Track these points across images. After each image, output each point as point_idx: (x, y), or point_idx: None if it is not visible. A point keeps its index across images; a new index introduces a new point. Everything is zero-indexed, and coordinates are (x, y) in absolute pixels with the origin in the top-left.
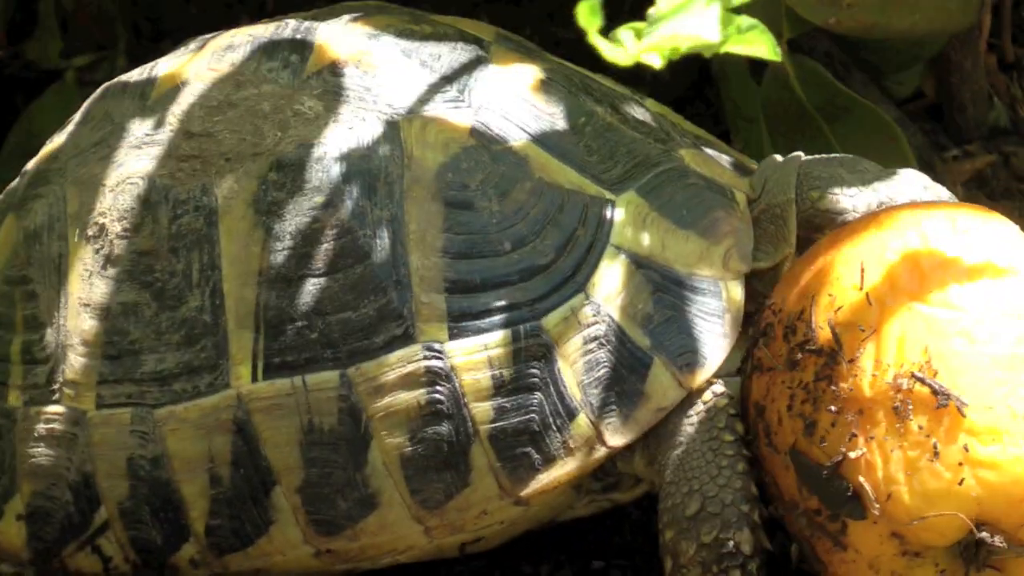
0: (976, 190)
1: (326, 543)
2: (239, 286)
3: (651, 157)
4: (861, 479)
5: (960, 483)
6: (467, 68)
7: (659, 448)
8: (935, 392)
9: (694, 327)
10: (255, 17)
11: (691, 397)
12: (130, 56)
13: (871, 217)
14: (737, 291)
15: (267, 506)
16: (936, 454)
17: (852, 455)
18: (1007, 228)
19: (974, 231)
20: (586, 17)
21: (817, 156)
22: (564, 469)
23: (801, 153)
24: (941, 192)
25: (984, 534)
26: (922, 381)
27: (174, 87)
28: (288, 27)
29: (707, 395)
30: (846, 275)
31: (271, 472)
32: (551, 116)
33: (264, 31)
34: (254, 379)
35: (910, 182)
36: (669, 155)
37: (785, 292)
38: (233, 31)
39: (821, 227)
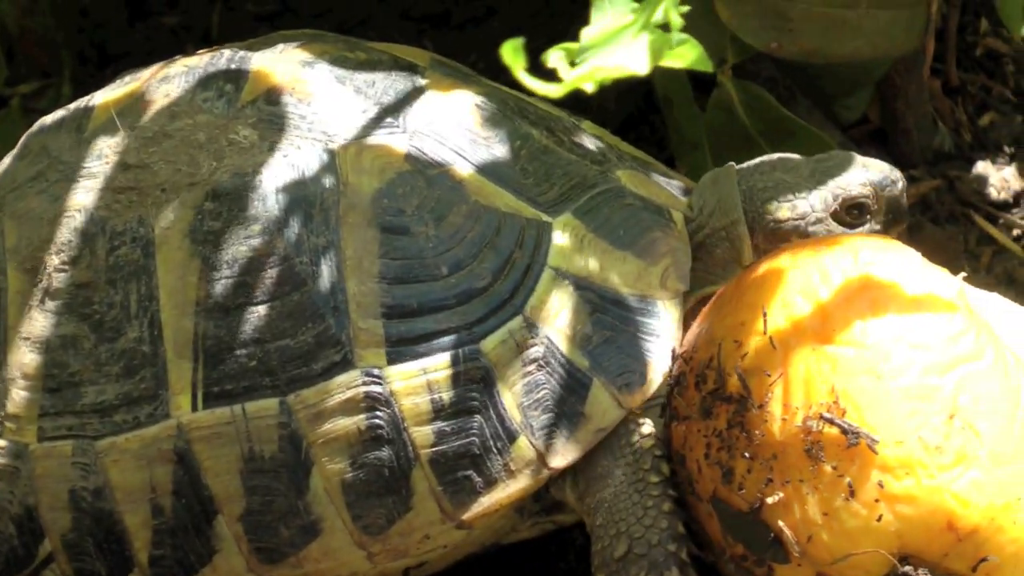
0: (920, 215)
1: (269, 571)
2: (177, 316)
3: (587, 178)
4: (781, 523)
5: (878, 519)
6: (402, 94)
7: (588, 490)
8: (844, 431)
9: (633, 347)
10: (200, 43)
11: (620, 438)
12: (76, 83)
13: (773, 257)
14: (675, 311)
15: (210, 535)
16: (852, 493)
17: (770, 500)
18: (910, 258)
19: (877, 264)
20: (511, 56)
21: (748, 165)
22: (506, 492)
23: (733, 163)
24: (882, 166)
25: (908, 568)
26: (831, 422)
27: (110, 119)
28: (223, 57)
29: (634, 437)
30: (750, 320)
31: (213, 501)
32: (486, 140)
33: (199, 62)
34: (194, 408)
35: (852, 165)
36: (605, 176)
37: (694, 340)
38: (168, 62)
39: (787, 236)
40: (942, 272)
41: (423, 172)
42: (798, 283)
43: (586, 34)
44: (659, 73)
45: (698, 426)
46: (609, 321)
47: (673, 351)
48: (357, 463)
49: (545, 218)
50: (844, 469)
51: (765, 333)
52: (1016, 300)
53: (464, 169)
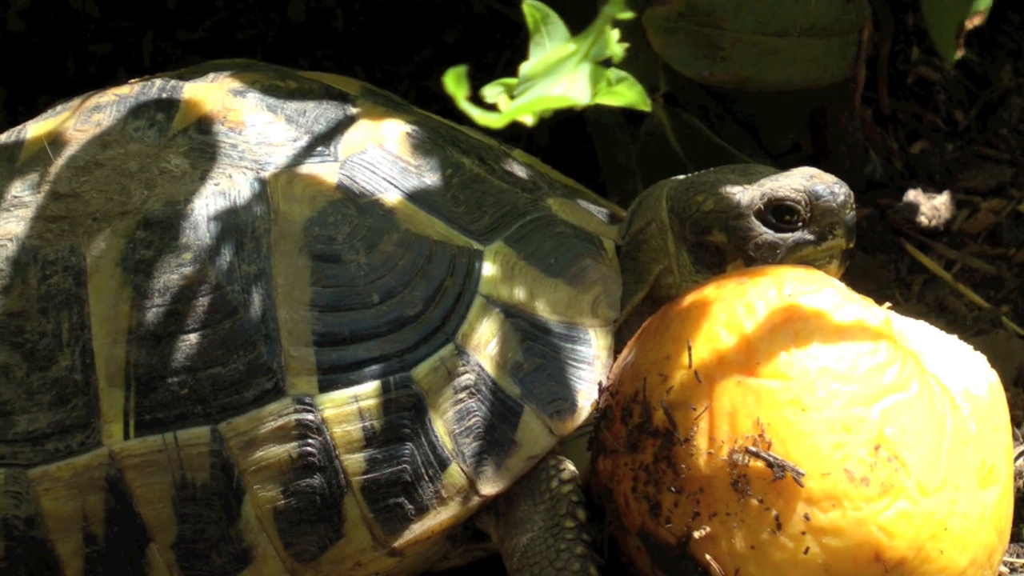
0: None
1: None
2: (109, 344)
3: (519, 207)
4: (708, 557)
5: (805, 552)
6: (333, 123)
7: (508, 533)
8: (770, 465)
9: (564, 374)
10: (132, 72)
11: (541, 483)
12: (7, 112)
13: (698, 290)
14: (606, 338)
15: (142, 564)
16: (778, 526)
17: (697, 534)
18: (836, 288)
19: (801, 295)
20: (453, 85)
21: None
22: (437, 519)
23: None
24: (828, 179)
25: None
26: (756, 455)
27: (41, 149)
28: (154, 86)
29: (554, 482)
30: (675, 353)
31: (145, 529)
32: (417, 168)
33: (130, 91)
34: (126, 437)
35: (796, 172)
36: (537, 205)
37: (620, 374)
38: (99, 92)
39: (709, 228)
40: (868, 302)
41: (354, 201)
42: (722, 316)
43: (525, 67)
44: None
45: (625, 460)
46: (540, 348)
47: (600, 384)
48: (289, 491)
49: (476, 246)
50: (770, 502)
51: (690, 367)
52: (947, 329)
53: (395, 197)
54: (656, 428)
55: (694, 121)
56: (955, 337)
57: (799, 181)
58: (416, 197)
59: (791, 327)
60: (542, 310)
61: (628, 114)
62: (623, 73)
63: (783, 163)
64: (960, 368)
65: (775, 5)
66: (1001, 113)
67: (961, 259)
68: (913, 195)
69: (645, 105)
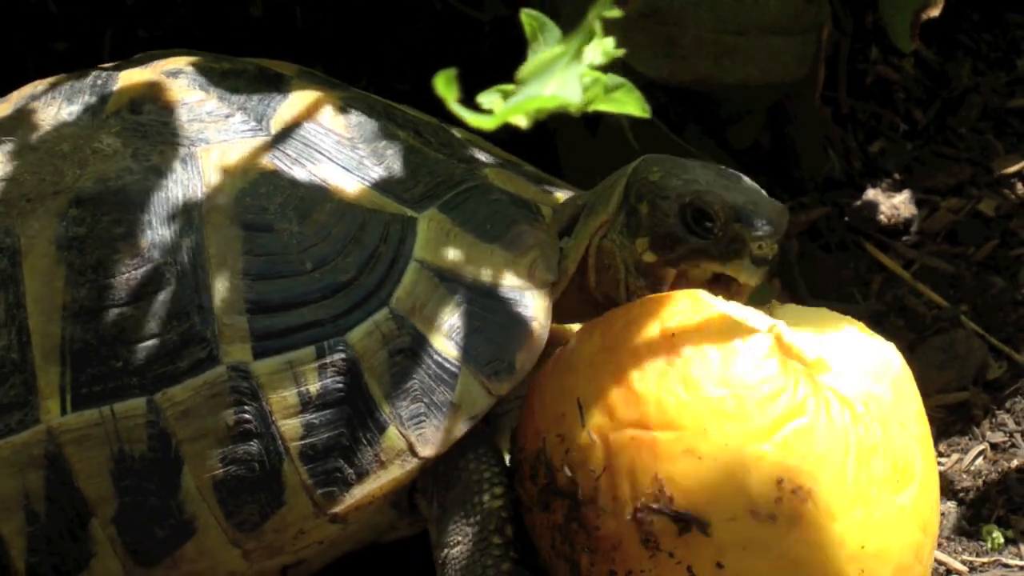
0: (810, 242)
1: (146, 574)
2: (44, 322)
3: (454, 176)
4: None
5: None
6: (265, 99)
7: (439, 541)
8: (674, 520)
9: (502, 336)
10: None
11: (473, 496)
12: None
13: (586, 333)
14: (544, 300)
15: (85, 539)
16: None
17: None
18: (719, 315)
19: (687, 337)
20: (443, 88)
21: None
22: (377, 483)
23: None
24: (768, 207)
25: None
26: (659, 512)
27: None
28: (91, 74)
29: (486, 496)
30: (569, 411)
31: (86, 504)
32: (351, 140)
33: (66, 80)
34: (63, 412)
35: (739, 185)
36: (473, 174)
37: (524, 430)
38: (37, 82)
39: (642, 198)
40: (753, 318)
41: (286, 172)
42: (610, 367)
43: (521, 71)
44: None
45: (540, 519)
46: (477, 312)
47: (513, 433)
48: (227, 459)
49: (410, 213)
50: (682, 556)
51: (584, 425)
52: (907, 328)
53: (328, 168)
54: (562, 489)
55: (653, 120)
56: (855, 328)
57: (737, 198)
58: (349, 168)
59: (676, 372)
60: (478, 274)
61: (587, 113)
62: (621, 79)
63: (744, 161)
64: (860, 367)
65: (735, 4)
66: (960, 112)
67: (920, 258)
68: (872, 194)
69: (644, 112)
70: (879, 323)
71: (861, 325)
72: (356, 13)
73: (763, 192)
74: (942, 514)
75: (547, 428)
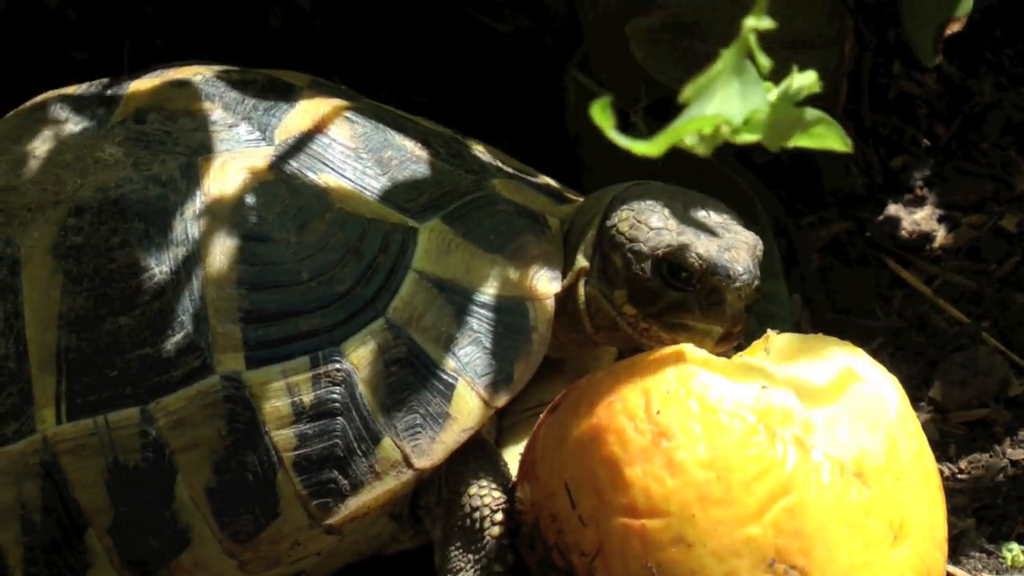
0: (832, 256)
1: None
2: (41, 331)
3: (460, 187)
4: None
5: None
6: (272, 109)
7: (442, 567)
8: None
9: (500, 347)
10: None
11: (475, 523)
12: None
13: (571, 404)
14: (544, 311)
15: (82, 550)
16: None
17: None
18: (702, 390)
19: (671, 414)
20: (599, 116)
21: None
22: (372, 494)
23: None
24: (741, 263)
25: None
26: None
27: None
28: (101, 84)
29: (487, 523)
30: (559, 492)
31: (82, 514)
32: (355, 151)
33: (76, 90)
34: (58, 421)
35: (720, 235)
36: (480, 185)
37: (522, 493)
38: (49, 92)
39: (615, 248)
40: (740, 384)
41: (287, 182)
42: (597, 448)
43: (686, 90)
44: (571, 110)
45: None
46: (475, 322)
47: (514, 485)
48: (220, 469)
49: (412, 223)
50: None
51: (574, 508)
52: (928, 344)
53: (330, 178)
54: (557, 567)
55: None
56: (853, 359)
57: (711, 248)
58: (352, 178)
59: (662, 456)
60: (478, 284)
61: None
62: (819, 113)
63: (764, 175)
64: (854, 417)
65: None
66: (983, 128)
67: (942, 274)
68: (894, 209)
69: (846, 147)
70: (900, 339)
71: (859, 353)
72: (375, 24)
73: (733, 222)
74: (962, 531)
75: (540, 504)
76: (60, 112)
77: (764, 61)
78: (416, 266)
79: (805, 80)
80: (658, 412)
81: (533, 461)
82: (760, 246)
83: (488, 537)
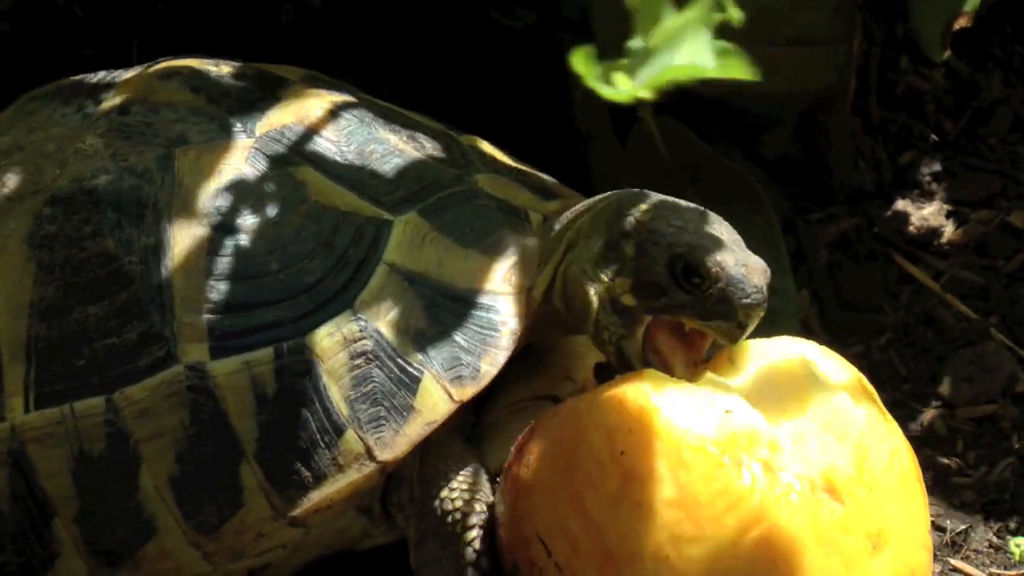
0: (840, 252)
1: (111, 574)
2: (12, 320)
3: (441, 181)
4: None
5: None
6: (258, 102)
7: (416, 570)
8: None
9: (469, 341)
10: None
11: (447, 526)
12: None
13: (537, 454)
14: (516, 305)
15: (50, 539)
16: None
17: None
18: (670, 426)
19: (635, 455)
20: (582, 65)
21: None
22: (335, 486)
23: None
24: (758, 279)
25: None
26: None
27: None
28: (96, 77)
29: (459, 529)
30: (533, 538)
31: (49, 503)
32: (336, 143)
33: (71, 81)
34: (26, 410)
35: (749, 258)
36: (462, 179)
37: (502, 530)
38: (48, 85)
39: (628, 236)
40: (702, 413)
41: (262, 174)
42: (566, 495)
43: (635, 43)
44: (579, 106)
45: None
46: (445, 316)
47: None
48: (184, 459)
49: (387, 216)
50: None
51: (550, 555)
52: (936, 340)
53: (307, 170)
54: None
55: (684, 129)
56: (819, 359)
57: (728, 259)
58: (329, 170)
59: (630, 499)
60: (450, 278)
61: (617, 120)
62: (728, 44)
63: (773, 171)
64: (822, 429)
65: (765, 14)
66: (991, 123)
67: (950, 270)
68: (902, 205)
69: (755, 76)
70: (908, 334)
71: (826, 352)
72: (385, 20)
73: (742, 243)
74: (970, 526)
75: (517, 548)
76: (50, 103)
77: (736, 13)
78: (387, 259)
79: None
80: (622, 453)
81: (507, 506)
82: (769, 273)
83: (461, 543)
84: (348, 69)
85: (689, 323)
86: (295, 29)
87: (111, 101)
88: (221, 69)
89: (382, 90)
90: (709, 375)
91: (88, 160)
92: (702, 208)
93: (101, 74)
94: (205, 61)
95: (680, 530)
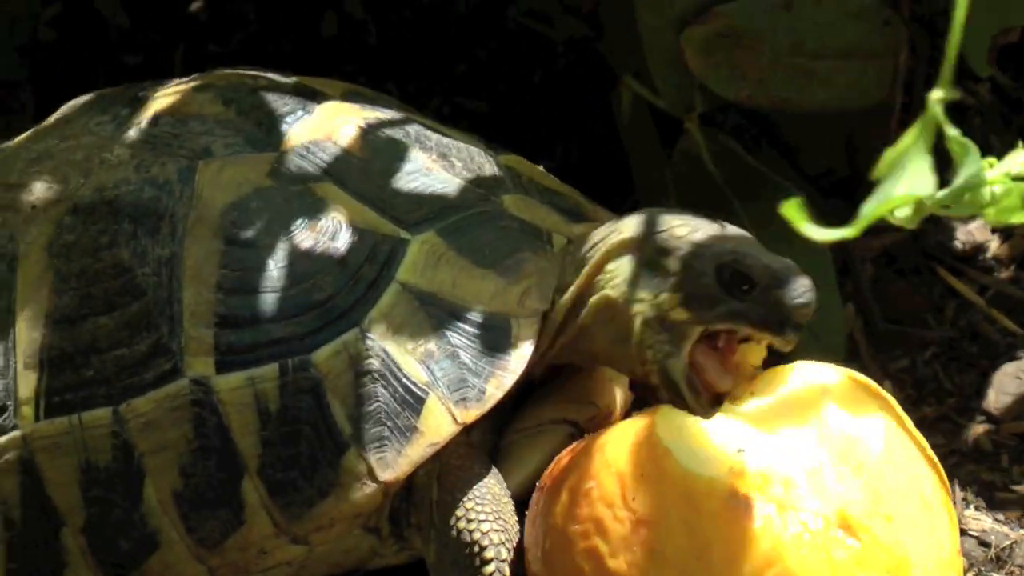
0: (885, 267)
1: None
2: (29, 328)
3: (465, 201)
4: None
5: None
6: (287, 116)
7: None
8: None
9: (478, 363)
10: None
11: (468, 558)
12: (38, 121)
13: (552, 498)
14: (529, 329)
15: (58, 549)
16: None
17: None
18: (682, 470)
19: (647, 500)
20: (792, 214)
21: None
22: (336, 505)
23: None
24: (805, 280)
25: None
26: None
27: (20, 145)
28: (140, 87)
29: (477, 563)
30: None
31: (57, 513)
32: (362, 160)
33: (111, 91)
34: (36, 419)
35: (782, 261)
36: (487, 200)
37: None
38: (91, 93)
39: (669, 252)
40: (714, 455)
41: (282, 188)
42: (580, 541)
43: (878, 168)
44: (623, 120)
45: None
46: (455, 337)
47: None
48: (187, 473)
49: (404, 235)
50: None
51: None
52: (980, 355)
53: (327, 187)
54: None
55: (730, 142)
56: (836, 382)
57: (774, 263)
58: (352, 187)
59: (643, 544)
60: (463, 299)
61: (663, 133)
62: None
63: (818, 186)
64: (837, 469)
65: (813, 27)
66: None
67: (995, 284)
68: (947, 219)
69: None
70: (952, 349)
71: (848, 376)
72: (429, 32)
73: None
74: (1014, 542)
75: None
76: (87, 112)
77: (953, 132)
78: (400, 278)
79: (945, 123)
80: (634, 498)
81: (527, 548)
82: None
83: (482, 571)
84: (393, 79)
85: (744, 331)
86: (340, 40)
87: (144, 112)
88: (258, 82)
89: (430, 101)
90: (728, 405)
91: (112, 170)
92: (714, 217)
93: (144, 84)
94: (246, 73)
95: (686, 570)
